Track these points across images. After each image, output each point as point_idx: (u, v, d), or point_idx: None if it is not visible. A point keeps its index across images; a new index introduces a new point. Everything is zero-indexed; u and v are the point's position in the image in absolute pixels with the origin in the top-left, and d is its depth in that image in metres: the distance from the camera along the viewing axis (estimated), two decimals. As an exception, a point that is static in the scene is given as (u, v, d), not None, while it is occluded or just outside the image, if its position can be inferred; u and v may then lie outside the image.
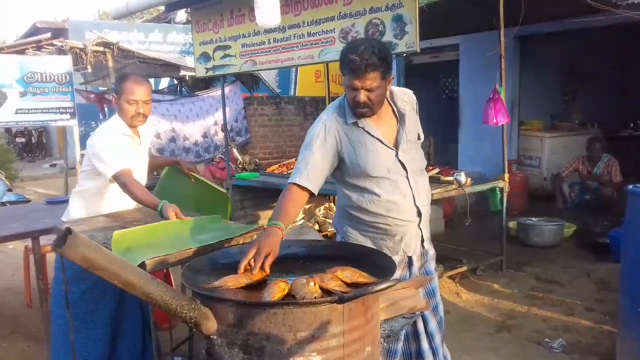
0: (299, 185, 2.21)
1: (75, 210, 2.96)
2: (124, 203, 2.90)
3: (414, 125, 2.39)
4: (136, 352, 2.97)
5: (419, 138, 2.44)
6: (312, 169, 2.24)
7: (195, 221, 2.56)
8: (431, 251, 2.56)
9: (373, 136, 2.28)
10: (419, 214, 2.37)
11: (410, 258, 2.44)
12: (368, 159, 2.27)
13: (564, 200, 6.85)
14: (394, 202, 2.31)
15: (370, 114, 2.27)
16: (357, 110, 2.25)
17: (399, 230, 2.36)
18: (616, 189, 6.42)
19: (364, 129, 2.28)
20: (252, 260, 1.82)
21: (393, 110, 2.37)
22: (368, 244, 2.38)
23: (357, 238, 2.42)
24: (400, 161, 2.32)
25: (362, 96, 2.17)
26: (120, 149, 2.81)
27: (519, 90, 8.10)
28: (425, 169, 2.55)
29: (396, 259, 2.26)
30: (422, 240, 2.45)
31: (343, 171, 2.36)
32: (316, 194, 2.26)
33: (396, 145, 2.33)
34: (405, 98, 2.40)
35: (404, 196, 2.31)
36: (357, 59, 2.12)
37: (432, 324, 2.51)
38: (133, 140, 2.93)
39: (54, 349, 2.90)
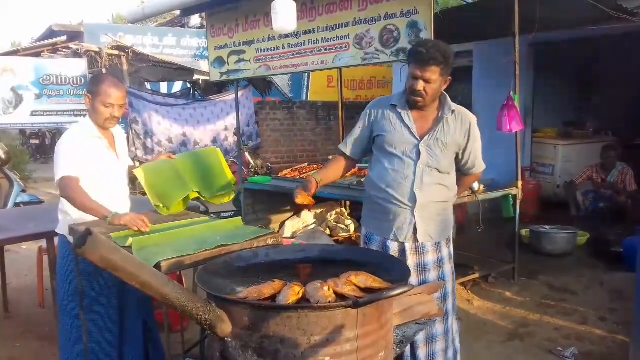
0: (341, 152, 2.76)
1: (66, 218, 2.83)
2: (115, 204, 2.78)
3: (452, 133, 2.59)
4: (139, 356, 2.97)
5: (460, 152, 2.68)
6: (350, 139, 2.73)
7: (215, 224, 2.59)
8: (439, 254, 2.63)
9: (404, 121, 2.57)
10: (414, 200, 2.53)
11: (403, 248, 2.58)
12: (391, 136, 2.57)
13: (577, 208, 6.79)
14: (394, 179, 2.56)
15: (423, 104, 2.53)
16: (411, 98, 2.53)
17: (392, 209, 2.58)
18: (630, 198, 6.37)
19: (400, 114, 2.58)
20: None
21: (438, 113, 2.61)
22: (371, 226, 2.69)
23: (367, 221, 2.74)
24: (418, 150, 2.53)
25: (420, 85, 2.46)
26: (78, 154, 2.71)
27: (533, 98, 8.05)
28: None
29: (391, 246, 2.58)
30: (416, 231, 2.56)
31: (374, 144, 2.67)
32: (356, 158, 2.75)
33: (422, 137, 2.55)
34: (460, 115, 2.63)
35: (405, 177, 2.55)
36: (424, 51, 2.43)
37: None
38: (102, 142, 2.85)
39: (63, 353, 2.89)
